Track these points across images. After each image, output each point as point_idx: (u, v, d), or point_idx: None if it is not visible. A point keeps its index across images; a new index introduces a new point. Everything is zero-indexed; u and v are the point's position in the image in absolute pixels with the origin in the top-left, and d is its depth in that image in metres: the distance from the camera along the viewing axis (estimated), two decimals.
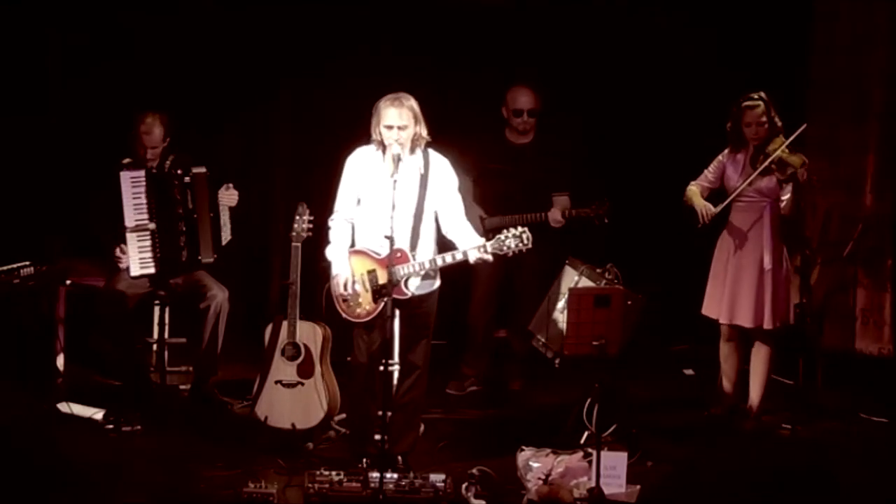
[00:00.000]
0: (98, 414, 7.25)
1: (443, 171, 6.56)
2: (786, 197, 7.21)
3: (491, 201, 7.82)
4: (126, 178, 7.48)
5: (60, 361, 7.73)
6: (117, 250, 7.46)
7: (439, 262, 6.44)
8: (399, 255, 6.38)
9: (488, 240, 6.38)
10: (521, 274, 7.80)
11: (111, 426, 7.12)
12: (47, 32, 8.63)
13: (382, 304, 6.42)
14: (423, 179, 6.48)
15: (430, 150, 6.53)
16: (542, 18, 8.89)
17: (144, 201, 7.49)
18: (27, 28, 8.55)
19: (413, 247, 6.45)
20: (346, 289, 6.48)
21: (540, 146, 7.83)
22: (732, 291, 7.28)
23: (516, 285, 7.90)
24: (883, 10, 8.47)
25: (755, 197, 7.26)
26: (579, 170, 7.97)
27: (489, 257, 6.39)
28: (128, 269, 7.47)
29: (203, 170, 7.56)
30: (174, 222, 7.52)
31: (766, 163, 7.12)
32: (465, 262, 6.46)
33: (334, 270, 6.52)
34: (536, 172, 7.76)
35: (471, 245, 6.43)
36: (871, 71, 8.53)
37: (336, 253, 6.55)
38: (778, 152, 7.10)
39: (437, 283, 6.57)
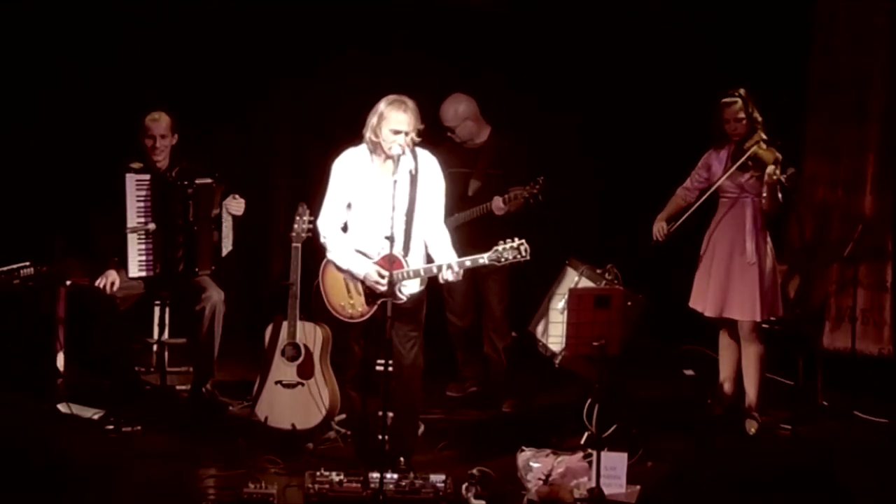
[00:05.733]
0: (98, 414, 7.25)
1: (432, 170, 6.54)
2: (764, 193, 7.26)
3: (454, 202, 7.79)
4: (131, 180, 7.46)
5: (60, 361, 7.72)
6: (101, 279, 7.43)
7: (434, 271, 6.40)
8: (394, 261, 6.33)
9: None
10: (484, 279, 7.76)
11: (111, 426, 7.12)
12: (46, 32, 8.62)
13: (376, 305, 6.42)
14: (414, 179, 6.47)
15: (418, 149, 6.52)
16: (537, 20, 8.89)
17: (147, 205, 7.48)
18: (26, 27, 8.55)
19: (406, 249, 6.43)
20: (382, 278, 6.37)
21: (495, 145, 7.80)
22: (718, 285, 7.35)
23: (481, 291, 7.85)
24: (883, 11, 8.49)
25: (737, 192, 7.33)
26: (533, 163, 7.90)
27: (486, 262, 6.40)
28: (126, 269, 7.46)
29: (208, 181, 7.53)
30: (173, 233, 7.50)
31: (742, 160, 7.19)
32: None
33: (360, 273, 6.43)
34: (494, 170, 7.73)
35: (446, 253, 6.43)
36: (871, 71, 8.54)
37: (348, 258, 6.47)
38: (754, 148, 7.16)
39: (424, 283, 6.56)
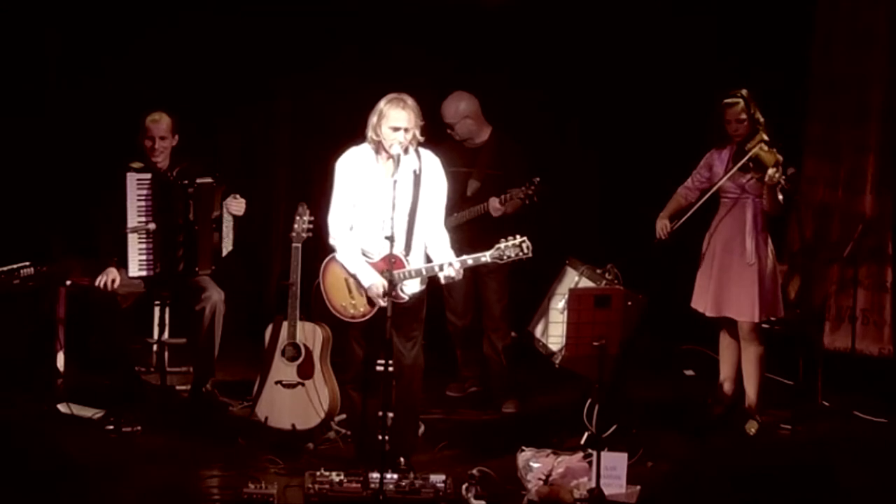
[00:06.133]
0: (98, 414, 7.25)
1: (435, 171, 6.54)
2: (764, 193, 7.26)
3: (453, 202, 7.82)
4: (132, 179, 7.46)
5: (60, 361, 7.72)
6: (101, 277, 7.42)
7: (436, 270, 6.41)
8: (394, 260, 6.33)
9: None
10: (483, 279, 7.78)
11: (111, 427, 7.12)
12: (46, 32, 8.63)
13: (377, 307, 6.42)
14: (417, 179, 6.47)
15: (422, 149, 6.52)
16: (537, 19, 8.89)
17: (148, 205, 7.48)
18: (27, 28, 8.55)
19: (408, 249, 6.44)
20: (385, 294, 6.36)
21: (495, 145, 7.82)
22: (718, 285, 7.35)
23: (481, 290, 7.86)
24: (883, 11, 8.47)
25: (738, 193, 7.33)
26: (532, 163, 7.94)
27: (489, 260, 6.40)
28: (126, 268, 7.46)
29: (209, 180, 7.52)
30: (174, 232, 7.49)
31: (743, 161, 7.20)
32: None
33: (365, 283, 6.43)
34: (494, 170, 7.76)
35: (444, 254, 6.43)
36: (871, 71, 8.53)
37: (357, 265, 6.47)
38: (755, 150, 7.17)
39: (425, 282, 6.57)
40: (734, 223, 7.34)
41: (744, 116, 7.27)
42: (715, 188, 7.33)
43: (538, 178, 7.52)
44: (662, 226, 7.46)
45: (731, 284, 7.33)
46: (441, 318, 7.87)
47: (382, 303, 6.35)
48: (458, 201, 7.63)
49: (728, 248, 7.35)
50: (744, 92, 7.29)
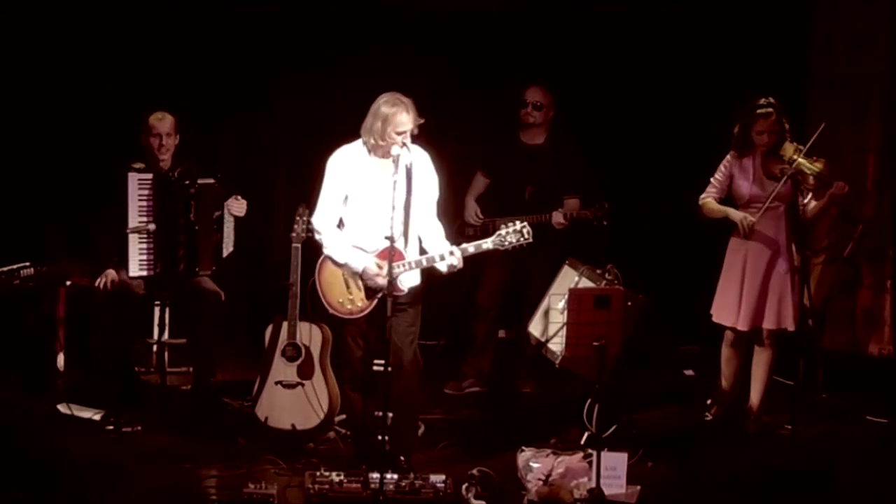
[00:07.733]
0: (98, 414, 7.25)
1: (426, 165, 6.56)
2: (806, 201, 7.18)
3: (504, 202, 7.87)
4: (133, 179, 7.45)
5: (60, 362, 7.72)
6: (100, 279, 7.42)
7: (437, 259, 6.42)
8: (394, 253, 6.34)
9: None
10: (526, 275, 7.83)
11: (111, 427, 7.12)
12: (46, 32, 8.63)
13: (375, 300, 6.44)
14: (409, 173, 6.48)
15: (411, 144, 6.51)
16: (540, 18, 8.89)
17: (149, 205, 7.47)
18: (27, 28, 8.55)
19: (405, 242, 6.44)
20: (380, 269, 6.40)
21: (552, 148, 7.88)
22: (753, 297, 7.24)
23: (522, 286, 7.94)
24: (883, 10, 8.48)
25: (771, 202, 7.23)
26: (590, 172, 8.01)
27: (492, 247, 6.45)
28: (126, 269, 7.46)
29: (211, 181, 7.52)
30: (175, 233, 7.49)
31: (790, 172, 7.07)
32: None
33: (359, 267, 6.46)
34: (548, 174, 7.81)
35: (440, 246, 6.46)
36: (871, 71, 8.54)
37: (346, 252, 6.49)
38: (799, 161, 7.07)
39: (423, 277, 6.58)
40: (766, 233, 7.22)
41: (776, 127, 7.15)
42: (770, 199, 7.13)
43: (606, 203, 7.71)
44: (747, 220, 7.16)
45: (768, 295, 7.22)
46: (444, 316, 7.91)
47: (381, 281, 6.35)
48: (515, 205, 7.75)
49: (763, 259, 7.23)
50: (772, 100, 7.16)
